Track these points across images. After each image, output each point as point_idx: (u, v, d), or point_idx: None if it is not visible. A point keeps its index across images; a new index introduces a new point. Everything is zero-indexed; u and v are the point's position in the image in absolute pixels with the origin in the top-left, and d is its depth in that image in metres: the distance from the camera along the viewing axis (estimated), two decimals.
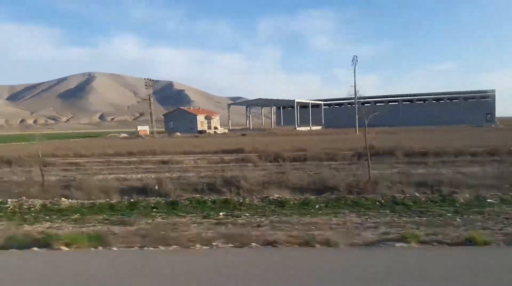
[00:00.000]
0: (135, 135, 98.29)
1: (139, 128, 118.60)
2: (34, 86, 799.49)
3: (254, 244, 7.22)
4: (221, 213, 11.68)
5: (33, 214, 12.14)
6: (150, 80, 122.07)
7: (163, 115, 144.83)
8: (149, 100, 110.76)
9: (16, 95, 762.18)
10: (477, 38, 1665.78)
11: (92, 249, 7.16)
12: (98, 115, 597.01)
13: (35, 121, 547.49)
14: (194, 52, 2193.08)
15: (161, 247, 7.11)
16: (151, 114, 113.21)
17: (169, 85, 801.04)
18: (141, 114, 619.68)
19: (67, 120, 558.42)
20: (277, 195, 13.32)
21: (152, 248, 7.05)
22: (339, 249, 6.81)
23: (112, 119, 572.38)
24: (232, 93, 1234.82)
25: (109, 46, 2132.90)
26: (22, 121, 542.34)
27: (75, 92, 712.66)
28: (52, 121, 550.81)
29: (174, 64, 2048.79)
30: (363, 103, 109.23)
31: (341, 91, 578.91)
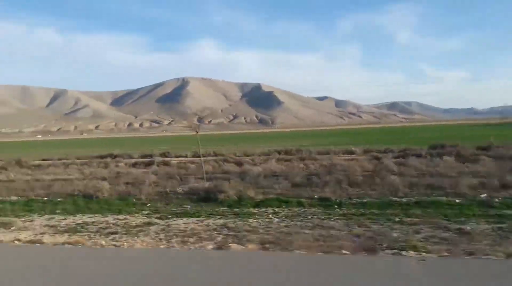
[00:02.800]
0: None
1: None
2: (133, 92, 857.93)
3: None
4: None
5: None
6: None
7: None
8: None
9: (118, 100, 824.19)
10: None
11: None
12: (196, 118, 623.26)
13: (141, 125, 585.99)
14: (273, 54, 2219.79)
15: None
16: None
17: (257, 87, 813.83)
18: (235, 117, 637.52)
19: (169, 123, 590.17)
20: None
21: None
22: None
23: (210, 122, 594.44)
24: (318, 93, 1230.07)
25: (195, 51, 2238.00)
26: (129, 124, 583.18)
27: (172, 96, 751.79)
28: (156, 125, 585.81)
29: (257, 66, 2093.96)
30: None
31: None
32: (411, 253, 7.75)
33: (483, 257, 7.35)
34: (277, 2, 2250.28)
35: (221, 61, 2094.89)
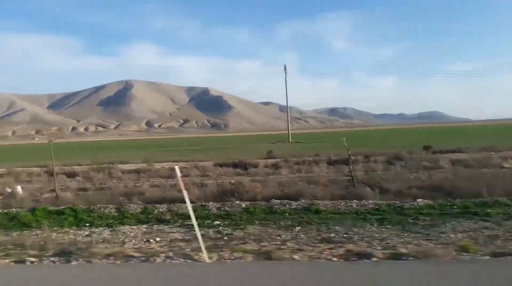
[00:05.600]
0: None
1: None
2: (72, 94, 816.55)
3: None
4: None
5: None
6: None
7: None
8: None
9: (57, 104, 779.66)
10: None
11: None
12: (144, 122, 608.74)
13: (86, 129, 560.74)
14: (215, 59, 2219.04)
15: None
16: None
17: (205, 91, 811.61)
18: (186, 121, 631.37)
19: (116, 127, 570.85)
20: None
21: None
22: None
23: (160, 126, 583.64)
24: (262, 98, 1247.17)
25: (135, 55, 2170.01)
26: (73, 129, 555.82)
27: (115, 99, 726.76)
28: (102, 129, 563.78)
29: (200, 71, 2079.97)
30: None
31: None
32: None
33: None
34: (215, 9, 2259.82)
35: (163, 66, 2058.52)
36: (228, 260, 6.88)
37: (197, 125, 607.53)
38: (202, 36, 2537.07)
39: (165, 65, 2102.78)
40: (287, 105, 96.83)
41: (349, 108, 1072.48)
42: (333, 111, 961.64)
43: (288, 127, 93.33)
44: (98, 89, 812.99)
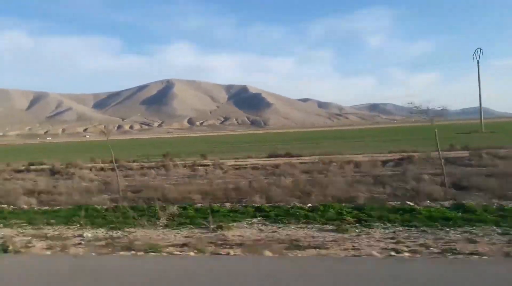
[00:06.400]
0: None
1: None
2: (116, 94, 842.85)
3: None
4: None
5: None
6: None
7: None
8: None
9: (101, 103, 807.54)
10: None
11: None
12: (186, 120, 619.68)
13: (131, 127, 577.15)
14: (251, 57, 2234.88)
15: None
16: None
17: (244, 89, 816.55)
18: (226, 118, 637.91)
19: (159, 125, 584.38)
20: None
21: None
22: None
23: (201, 123, 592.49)
24: (299, 95, 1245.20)
25: (173, 54, 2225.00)
26: (119, 127, 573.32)
27: (157, 98, 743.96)
28: (146, 127, 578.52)
29: (236, 69, 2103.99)
30: None
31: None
32: None
33: None
34: (249, 6, 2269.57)
35: (200, 64, 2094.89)
36: None
37: (237, 122, 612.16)
38: (237, 33, 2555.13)
39: (202, 63, 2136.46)
40: (480, 104, 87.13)
41: (389, 104, 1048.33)
42: (373, 107, 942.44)
43: (481, 117, 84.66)
44: (140, 88, 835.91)
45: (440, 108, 17.88)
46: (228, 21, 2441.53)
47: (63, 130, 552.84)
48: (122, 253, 8.09)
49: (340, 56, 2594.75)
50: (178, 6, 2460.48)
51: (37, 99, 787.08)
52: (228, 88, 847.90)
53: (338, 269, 6.09)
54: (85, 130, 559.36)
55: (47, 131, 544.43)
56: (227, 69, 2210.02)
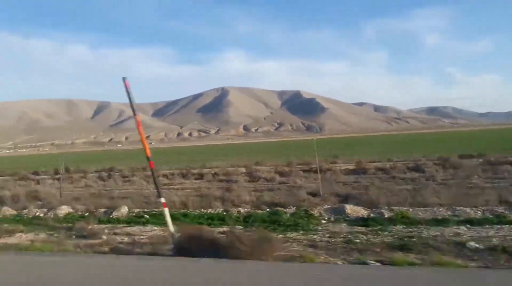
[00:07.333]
0: None
1: None
2: (173, 103, 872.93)
3: None
4: None
5: None
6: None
7: None
8: None
9: (159, 111, 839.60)
10: None
11: None
12: (241, 126, 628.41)
13: (190, 134, 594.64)
14: (302, 62, 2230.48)
15: None
16: None
17: (297, 94, 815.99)
18: (280, 124, 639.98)
19: (216, 132, 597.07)
20: None
21: None
22: None
23: (256, 130, 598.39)
24: (354, 99, 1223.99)
25: (225, 62, 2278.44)
26: (178, 134, 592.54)
27: (213, 106, 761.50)
28: (204, 134, 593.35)
29: (288, 75, 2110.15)
30: None
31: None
32: None
33: None
34: (299, 12, 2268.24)
35: (252, 70, 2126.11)
36: None
37: (292, 128, 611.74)
38: (287, 39, 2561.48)
39: (254, 69, 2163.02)
40: None
41: (449, 107, 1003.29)
42: (432, 110, 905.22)
43: None
44: (196, 97, 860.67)
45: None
46: (279, 26, 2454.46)
47: (126, 138, 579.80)
48: None
49: (395, 58, 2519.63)
50: (229, 13, 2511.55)
51: (100, 108, 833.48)
52: (281, 93, 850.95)
53: None
54: (147, 137, 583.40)
55: (111, 139, 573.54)
56: (279, 74, 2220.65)
